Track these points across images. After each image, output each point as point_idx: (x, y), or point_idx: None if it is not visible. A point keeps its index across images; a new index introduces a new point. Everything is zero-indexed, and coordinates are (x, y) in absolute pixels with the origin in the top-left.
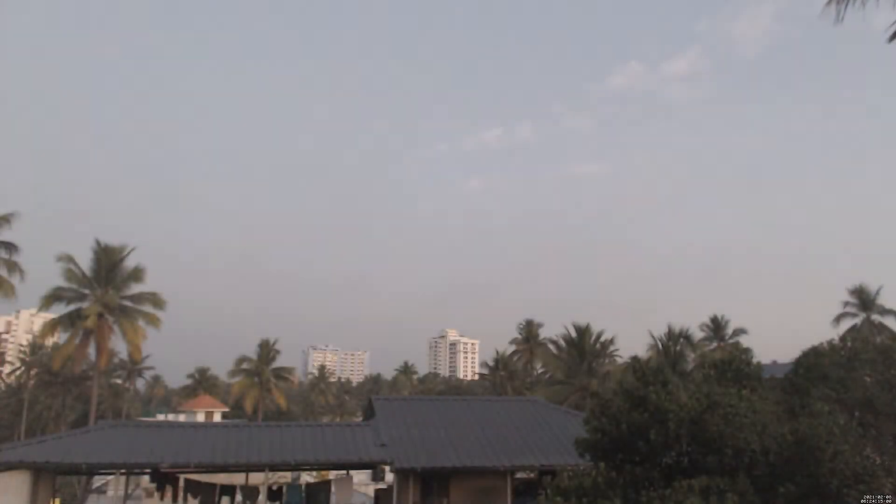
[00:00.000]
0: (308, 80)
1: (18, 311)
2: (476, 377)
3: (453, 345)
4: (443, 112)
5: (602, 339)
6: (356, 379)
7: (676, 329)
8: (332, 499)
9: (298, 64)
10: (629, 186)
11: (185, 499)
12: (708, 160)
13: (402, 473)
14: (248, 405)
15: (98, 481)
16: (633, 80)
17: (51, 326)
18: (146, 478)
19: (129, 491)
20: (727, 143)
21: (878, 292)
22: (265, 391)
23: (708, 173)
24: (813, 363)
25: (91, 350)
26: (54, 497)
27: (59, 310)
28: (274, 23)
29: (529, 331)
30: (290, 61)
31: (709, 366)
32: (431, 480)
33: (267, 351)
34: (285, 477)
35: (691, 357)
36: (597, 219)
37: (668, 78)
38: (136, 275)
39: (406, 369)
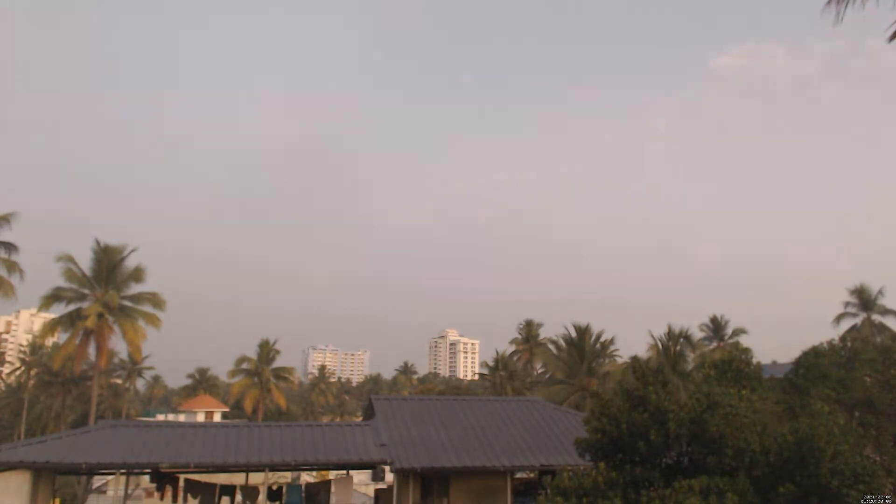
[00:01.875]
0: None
1: (18, 311)
2: (476, 377)
3: (453, 345)
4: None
5: (602, 339)
6: (356, 379)
7: (676, 329)
8: (332, 499)
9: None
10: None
11: (185, 499)
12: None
13: (402, 473)
14: (248, 405)
15: (98, 481)
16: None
17: (51, 326)
18: (146, 478)
19: (129, 491)
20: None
21: (879, 292)
22: (265, 391)
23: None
24: (813, 363)
25: (91, 350)
26: (54, 497)
27: (59, 310)
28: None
29: (529, 331)
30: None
31: (709, 366)
32: (431, 480)
33: (267, 351)
34: (285, 477)
35: (691, 357)
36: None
37: (647, 137)
38: (136, 275)
39: (406, 369)
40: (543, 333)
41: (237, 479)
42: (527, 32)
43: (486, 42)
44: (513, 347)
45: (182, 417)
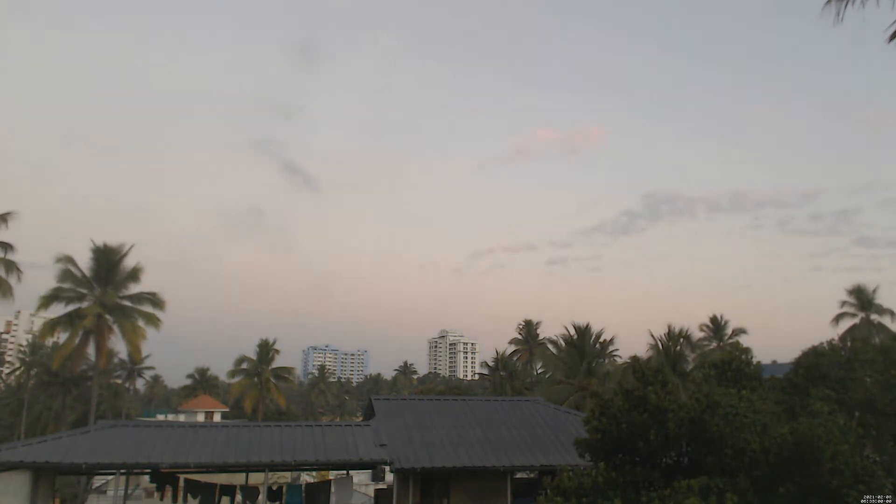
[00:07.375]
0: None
1: (18, 312)
2: (476, 377)
3: (453, 345)
4: None
5: (602, 339)
6: (356, 379)
7: (676, 329)
8: (332, 499)
9: None
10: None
11: (185, 499)
12: None
13: (402, 473)
14: (248, 405)
15: (98, 481)
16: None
17: (50, 327)
18: (146, 478)
19: (129, 491)
20: None
21: (874, 292)
22: (265, 391)
23: None
24: (813, 363)
25: (91, 350)
26: (54, 497)
27: (58, 310)
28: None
29: (529, 331)
30: None
31: (709, 366)
32: (431, 480)
33: (267, 351)
34: (285, 477)
35: (691, 357)
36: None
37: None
38: (135, 274)
39: (406, 369)
40: (543, 333)
41: (237, 479)
42: None
43: None
44: (513, 347)
45: (182, 417)
